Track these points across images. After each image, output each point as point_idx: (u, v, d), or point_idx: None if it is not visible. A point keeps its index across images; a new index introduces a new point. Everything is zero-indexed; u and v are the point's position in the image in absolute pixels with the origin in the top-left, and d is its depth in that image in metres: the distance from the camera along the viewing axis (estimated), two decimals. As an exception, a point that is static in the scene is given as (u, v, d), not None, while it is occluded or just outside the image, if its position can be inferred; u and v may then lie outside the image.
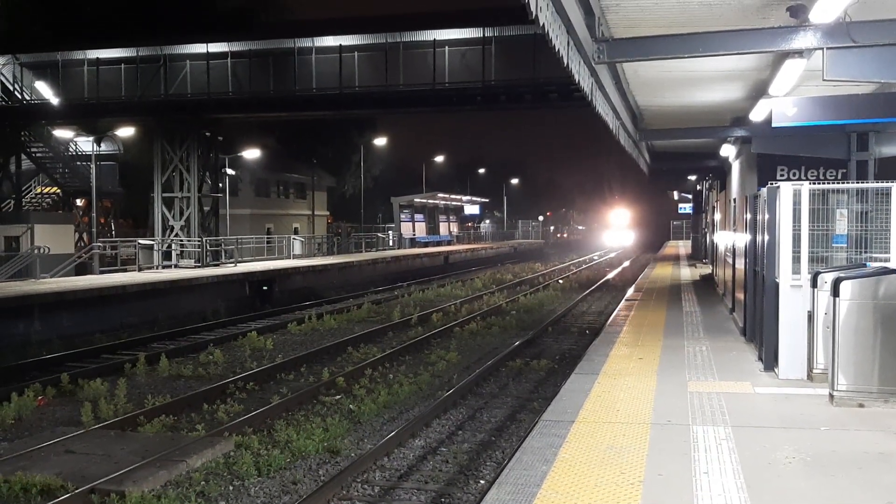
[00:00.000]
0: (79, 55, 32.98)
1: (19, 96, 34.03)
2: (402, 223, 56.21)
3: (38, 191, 40.40)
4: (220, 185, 37.44)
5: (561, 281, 36.82)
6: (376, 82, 29.91)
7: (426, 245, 55.83)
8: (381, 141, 58.38)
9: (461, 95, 29.81)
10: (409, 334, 20.12)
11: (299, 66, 30.53)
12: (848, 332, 7.96)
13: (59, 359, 16.88)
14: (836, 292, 7.95)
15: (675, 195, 54.39)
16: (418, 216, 59.59)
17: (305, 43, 30.36)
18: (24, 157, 37.63)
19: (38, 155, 37.73)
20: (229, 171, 40.60)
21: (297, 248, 39.60)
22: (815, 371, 9.08)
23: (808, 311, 9.03)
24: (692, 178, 40.37)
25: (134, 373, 15.13)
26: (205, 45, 31.34)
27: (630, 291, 23.42)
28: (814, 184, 9.40)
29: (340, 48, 30.07)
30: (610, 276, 41.94)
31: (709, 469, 6.05)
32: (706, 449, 6.57)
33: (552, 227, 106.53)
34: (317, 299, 28.70)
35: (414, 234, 56.79)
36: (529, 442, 6.89)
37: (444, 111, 35.44)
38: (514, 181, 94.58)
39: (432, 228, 62.26)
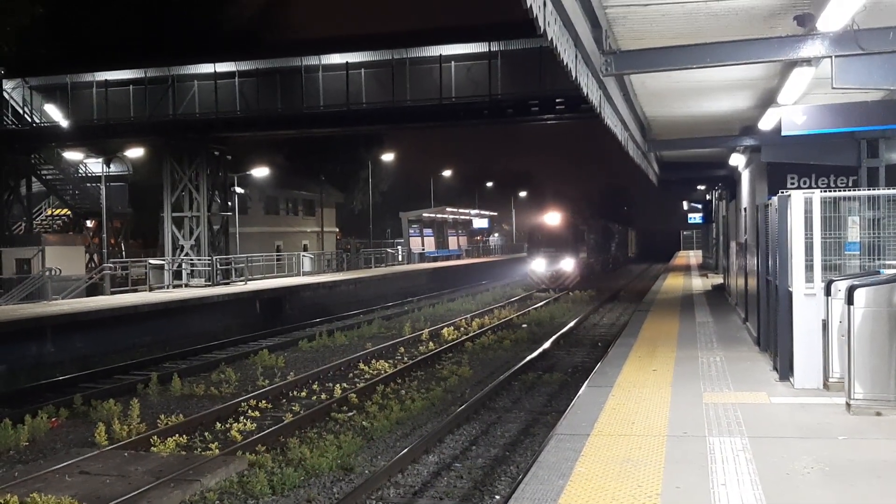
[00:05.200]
0: (87, 77, 33.23)
1: (29, 119, 34.30)
2: (410, 238, 56.25)
3: (49, 213, 40.62)
4: (230, 203, 37.58)
5: (571, 293, 36.73)
6: (383, 98, 30.01)
7: (435, 259, 55.84)
8: (388, 156, 58.50)
9: (468, 109, 29.90)
10: (420, 349, 20.08)
11: (306, 83, 30.67)
12: (863, 340, 7.90)
13: (71, 380, 16.92)
14: (850, 300, 7.90)
15: (685, 205, 54.22)
16: (427, 231, 59.64)
17: (312, 61, 30.52)
18: (34, 179, 37.86)
19: (48, 177, 37.97)
20: (238, 190, 40.76)
21: (306, 265, 39.64)
22: (831, 380, 9.01)
23: (823, 320, 8.98)
24: (701, 187, 40.27)
25: (147, 393, 15.14)
26: (212, 64, 31.56)
27: (642, 302, 23.34)
28: (825, 192, 9.36)
29: (347, 65, 30.21)
30: (621, 287, 41.83)
31: (726, 481, 6.00)
32: (723, 460, 6.52)
33: None
34: (327, 316, 28.70)
35: (423, 249, 56.83)
36: (545, 456, 6.85)
37: (451, 125, 35.51)
38: (523, 194, 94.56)
39: (441, 243, 62.28)
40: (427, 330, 22.67)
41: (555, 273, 38.64)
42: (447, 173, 75.18)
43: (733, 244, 22.44)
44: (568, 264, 38.83)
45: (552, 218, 40.93)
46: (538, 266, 39.26)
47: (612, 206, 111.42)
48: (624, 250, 70.79)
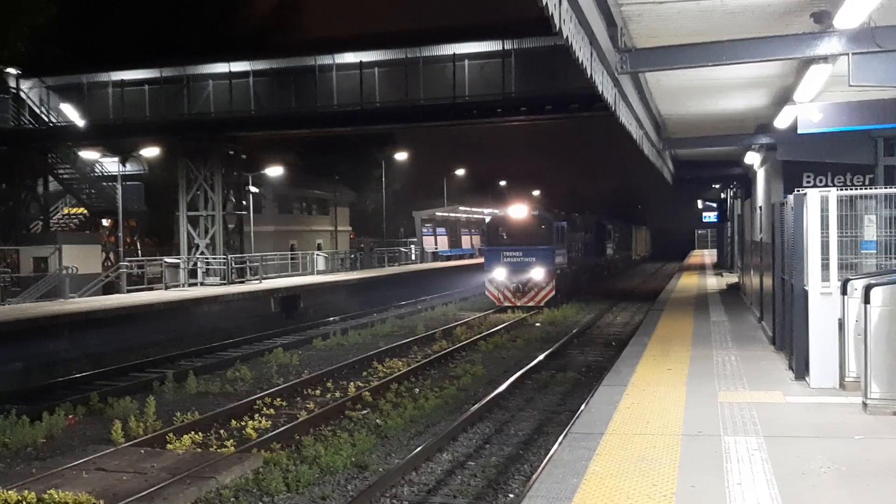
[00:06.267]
0: (103, 77, 33.46)
1: (46, 119, 34.59)
2: (424, 237, 56.27)
3: (66, 212, 40.94)
4: (244, 202, 37.75)
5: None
6: (396, 97, 30.05)
7: (448, 258, 55.83)
8: (401, 155, 58.56)
9: (481, 108, 29.90)
10: (433, 348, 20.11)
11: (320, 83, 30.75)
12: (880, 339, 7.85)
13: (88, 377, 17.04)
14: (867, 299, 7.85)
15: (700, 204, 53.92)
16: (440, 230, 59.64)
17: (326, 60, 30.60)
18: (51, 178, 38.19)
19: (64, 176, 38.26)
20: (253, 189, 40.90)
21: (320, 263, 39.77)
22: (847, 379, 8.96)
23: (839, 319, 8.92)
24: (716, 186, 40.09)
25: (162, 390, 15.23)
26: (227, 64, 31.69)
27: (656, 301, 23.27)
28: (841, 190, 9.31)
29: (361, 64, 30.27)
30: (635, 286, 41.67)
31: (742, 480, 5.98)
32: (738, 460, 6.50)
33: None
34: (341, 314, 28.77)
35: (436, 248, 56.83)
36: (559, 455, 6.85)
37: (464, 124, 35.50)
38: (536, 193, 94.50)
39: (454, 242, 62.25)
40: (440, 329, 22.70)
41: (521, 285, 28.99)
42: (460, 172, 75.21)
43: (748, 243, 22.35)
44: (539, 273, 28.81)
45: (518, 211, 30.33)
46: (498, 275, 29.19)
47: (625, 204, 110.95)
48: (626, 252, 59.44)
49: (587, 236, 38.43)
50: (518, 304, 28.80)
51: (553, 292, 28.94)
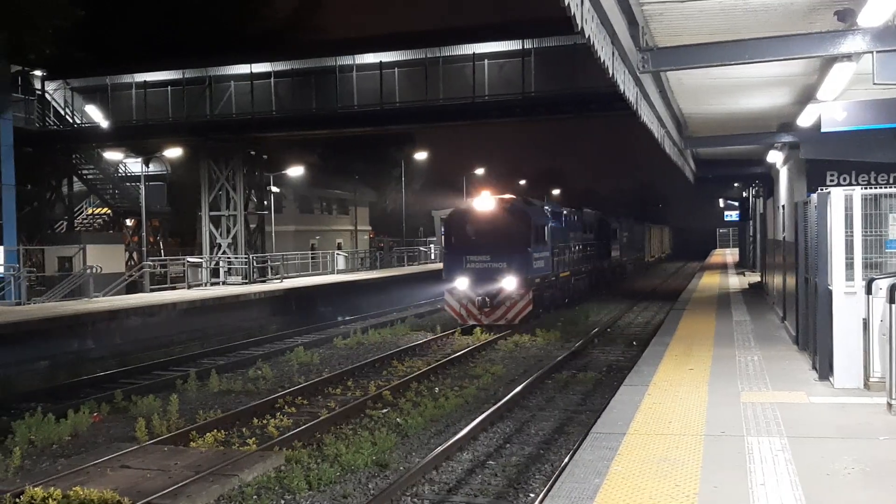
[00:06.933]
0: (126, 79, 33.83)
1: (70, 120, 35.00)
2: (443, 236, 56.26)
3: (90, 212, 41.44)
4: (265, 202, 38.00)
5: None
6: (416, 97, 30.14)
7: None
8: (421, 155, 58.65)
9: (501, 107, 29.91)
10: (453, 347, 20.13)
11: (340, 83, 30.90)
12: (906, 340, 7.77)
13: (112, 376, 17.24)
14: (891, 298, 7.79)
15: (721, 203, 53.51)
16: (459, 229, 59.43)
17: (346, 61, 30.75)
18: (75, 179, 38.66)
19: (88, 177, 38.72)
20: (274, 189, 41.16)
21: (340, 263, 39.94)
22: (871, 380, 8.89)
23: (863, 319, 8.86)
24: (738, 184, 39.82)
25: (185, 389, 15.37)
26: (248, 65, 31.94)
27: (677, 301, 23.15)
28: (865, 189, 9.23)
29: (381, 65, 30.37)
30: (656, 285, 41.49)
31: (765, 481, 5.95)
32: (762, 460, 6.47)
33: None
34: (361, 313, 28.87)
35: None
36: (581, 454, 6.85)
37: (483, 124, 35.52)
38: (556, 192, 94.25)
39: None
40: (459, 327, 22.71)
41: (488, 298, 22.56)
42: (479, 171, 75.17)
43: (771, 242, 22.18)
44: (511, 282, 22.37)
45: (485, 203, 23.62)
46: (460, 285, 22.81)
47: (645, 202, 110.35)
48: (637, 254, 51.06)
49: (585, 236, 32.00)
50: (485, 322, 22.71)
51: (530, 307, 22.64)
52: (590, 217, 34.20)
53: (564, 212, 28.92)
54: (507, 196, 25.22)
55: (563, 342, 20.75)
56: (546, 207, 26.33)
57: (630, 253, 46.38)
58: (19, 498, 8.62)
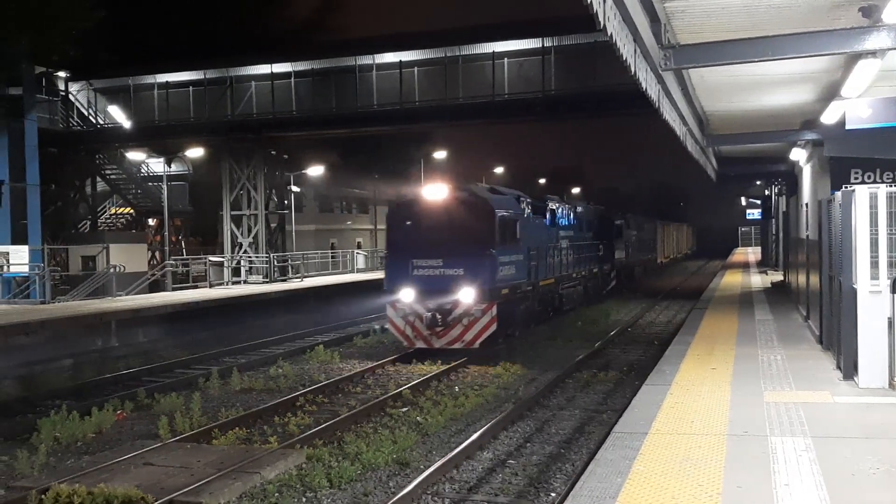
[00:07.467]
0: (149, 79, 34.14)
1: (93, 120, 35.36)
2: (462, 235, 56.09)
3: (113, 211, 41.83)
4: (286, 202, 38.20)
5: (625, 290, 36.13)
6: (436, 96, 30.15)
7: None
8: (440, 154, 58.69)
9: (520, 106, 29.85)
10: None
11: (360, 82, 30.99)
12: (933, 339, 7.68)
13: (135, 374, 17.40)
14: (918, 298, 7.69)
15: (743, 201, 53.09)
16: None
17: (366, 60, 30.82)
18: (98, 179, 39.05)
19: (111, 177, 39.09)
20: (294, 189, 41.35)
21: (360, 262, 40.04)
22: (897, 379, 8.79)
23: (889, 318, 8.76)
24: (760, 182, 39.49)
25: (207, 387, 15.47)
26: (269, 65, 32.11)
27: (699, 300, 23.00)
28: (890, 186, 9.13)
29: (401, 64, 30.41)
30: (678, 283, 41.22)
31: (790, 481, 5.90)
32: (786, 460, 6.42)
33: None
34: (381, 312, 28.87)
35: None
36: (603, 454, 6.82)
37: (503, 122, 35.49)
38: (575, 190, 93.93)
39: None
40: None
41: (440, 315, 17.81)
42: (499, 170, 75.06)
43: (794, 240, 21.98)
44: (469, 294, 17.47)
45: (437, 193, 18.68)
46: (406, 297, 17.99)
47: (666, 200, 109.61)
48: (649, 255, 46.11)
49: (580, 234, 27.02)
50: (436, 345, 17.94)
51: (493, 325, 17.59)
52: (587, 212, 28.85)
53: (551, 205, 23.96)
54: (470, 185, 20.38)
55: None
56: (522, 198, 20.79)
57: (639, 254, 41.50)
58: (45, 494, 8.72)
